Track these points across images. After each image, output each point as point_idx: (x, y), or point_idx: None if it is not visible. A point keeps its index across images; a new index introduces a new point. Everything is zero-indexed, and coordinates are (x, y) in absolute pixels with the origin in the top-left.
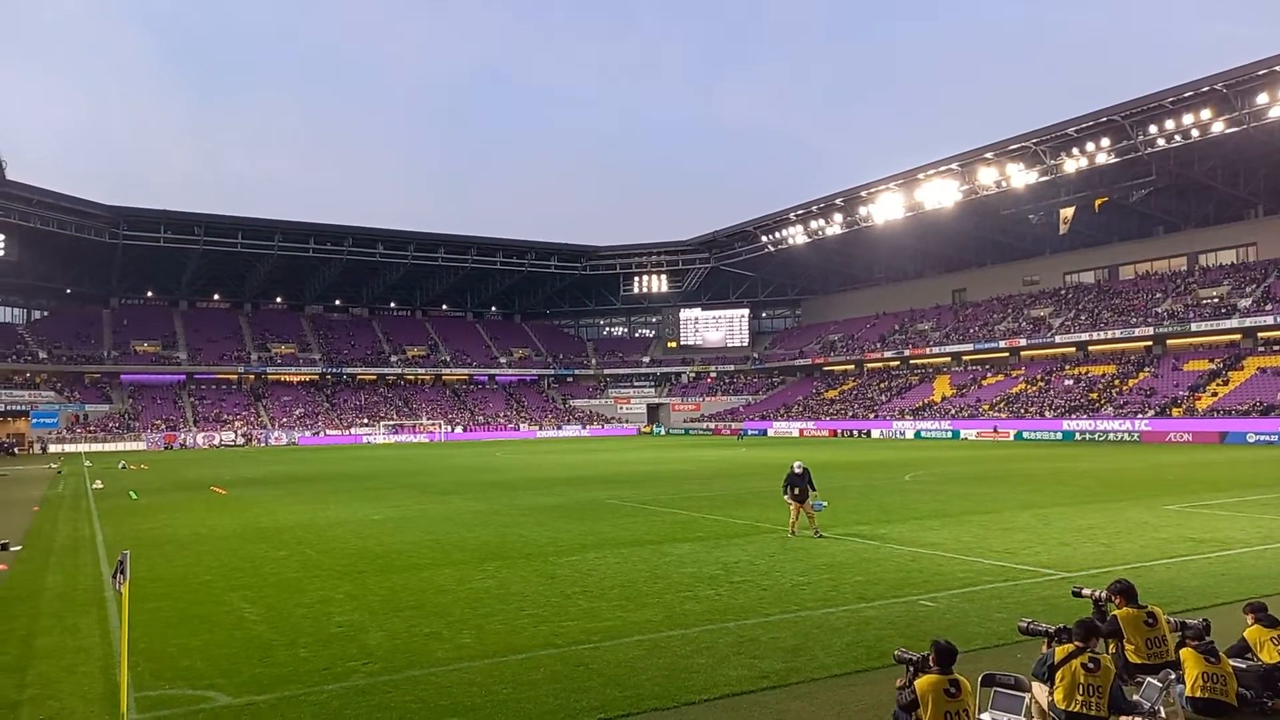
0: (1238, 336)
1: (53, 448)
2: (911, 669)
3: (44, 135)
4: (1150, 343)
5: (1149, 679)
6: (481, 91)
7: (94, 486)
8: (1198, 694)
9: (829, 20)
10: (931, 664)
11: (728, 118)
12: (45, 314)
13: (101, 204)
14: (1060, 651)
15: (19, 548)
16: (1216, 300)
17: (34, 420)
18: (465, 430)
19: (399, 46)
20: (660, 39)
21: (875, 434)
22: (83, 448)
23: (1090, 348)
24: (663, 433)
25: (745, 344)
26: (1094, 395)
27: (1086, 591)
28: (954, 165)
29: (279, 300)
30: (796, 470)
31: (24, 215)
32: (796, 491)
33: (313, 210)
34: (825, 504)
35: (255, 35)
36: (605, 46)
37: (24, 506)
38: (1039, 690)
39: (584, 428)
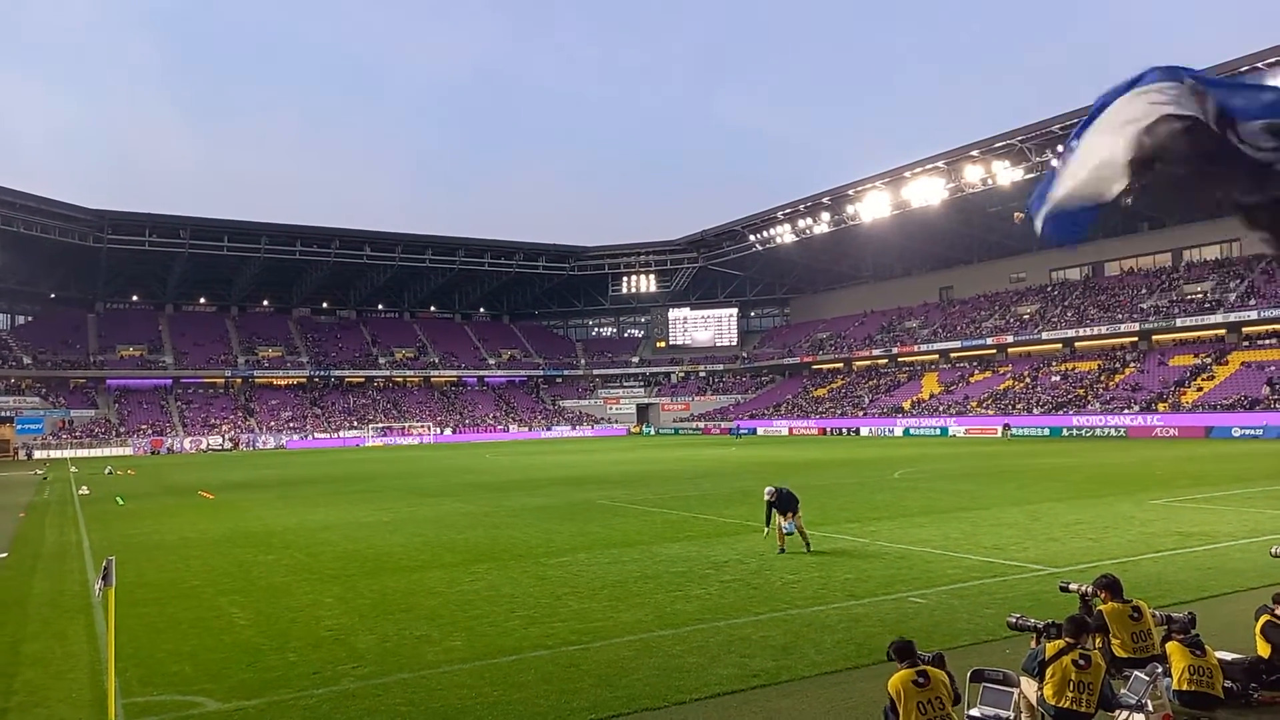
0: (1222, 332)
1: (38, 454)
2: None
3: (44, 138)
4: (1136, 338)
5: (1136, 673)
6: (482, 93)
7: (80, 492)
8: (1184, 687)
9: (825, 23)
10: (897, 661)
11: (723, 120)
12: (29, 319)
13: (86, 207)
14: (1051, 647)
15: (4, 554)
16: (1201, 296)
17: (19, 426)
18: (454, 432)
19: (400, 48)
20: (661, 42)
21: (864, 432)
22: (68, 453)
23: (1076, 344)
24: (652, 432)
25: (734, 343)
26: (1080, 391)
27: (1074, 586)
28: (940, 163)
29: (266, 303)
30: (767, 497)
31: (7, 219)
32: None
33: (312, 211)
34: (792, 529)
35: (257, 37)
36: (605, 49)
37: (9, 513)
38: (1027, 685)
39: (573, 428)
